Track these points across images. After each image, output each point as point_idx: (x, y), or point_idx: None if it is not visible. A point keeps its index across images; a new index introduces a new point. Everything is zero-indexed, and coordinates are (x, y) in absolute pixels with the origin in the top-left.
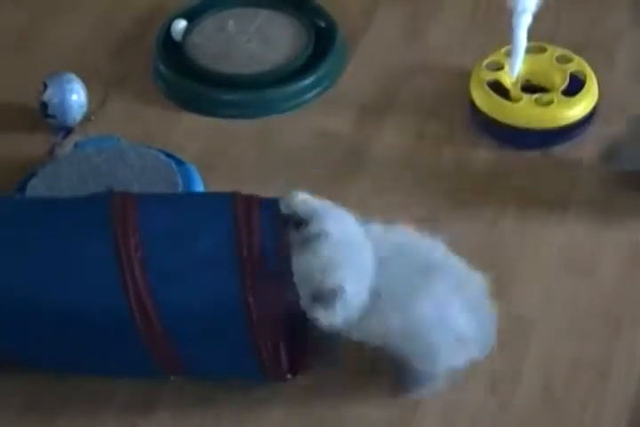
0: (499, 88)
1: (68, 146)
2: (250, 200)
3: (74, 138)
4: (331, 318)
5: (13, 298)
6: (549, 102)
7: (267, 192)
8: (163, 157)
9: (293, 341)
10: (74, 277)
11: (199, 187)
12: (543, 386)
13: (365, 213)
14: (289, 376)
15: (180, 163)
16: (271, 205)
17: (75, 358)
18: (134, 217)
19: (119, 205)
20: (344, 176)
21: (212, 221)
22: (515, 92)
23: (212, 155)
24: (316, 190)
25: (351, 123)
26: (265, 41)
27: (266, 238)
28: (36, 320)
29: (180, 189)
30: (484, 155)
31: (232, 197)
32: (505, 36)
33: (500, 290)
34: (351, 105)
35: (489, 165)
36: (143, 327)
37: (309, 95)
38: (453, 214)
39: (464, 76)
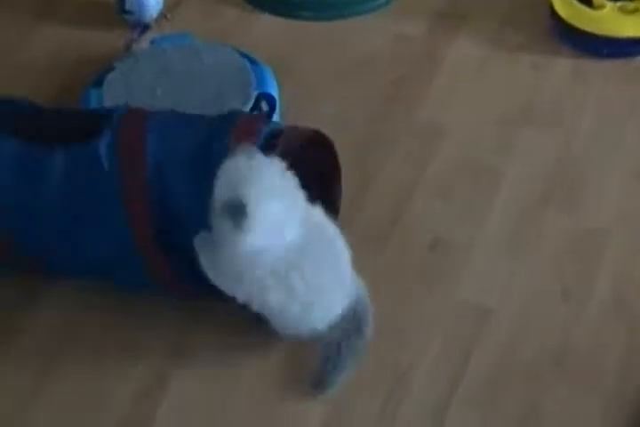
0: None
1: (144, 42)
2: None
3: (150, 35)
4: (237, 234)
5: None
6: (634, 11)
7: (339, 93)
8: (238, 56)
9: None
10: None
11: (273, 87)
12: (616, 299)
13: (440, 117)
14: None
15: (254, 63)
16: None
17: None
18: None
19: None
20: (417, 81)
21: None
22: None
23: (286, 57)
24: (387, 94)
25: (426, 29)
26: None
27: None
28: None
29: (254, 89)
30: (563, 63)
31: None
32: None
33: (572, 203)
34: (426, 11)
35: (567, 74)
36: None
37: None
38: (529, 125)
39: None
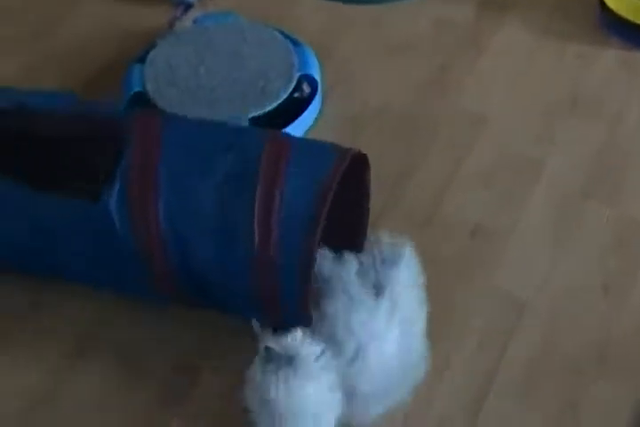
0: None
1: (187, 21)
2: (281, 144)
3: (193, 13)
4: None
5: None
6: None
7: (380, 77)
8: (280, 36)
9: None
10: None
11: (315, 69)
12: None
13: (483, 105)
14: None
15: (297, 44)
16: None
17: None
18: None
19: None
20: (461, 68)
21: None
22: None
23: (329, 39)
24: (430, 80)
25: (472, 15)
26: None
27: (289, 185)
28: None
29: (296, 70)
30: (610, 54)
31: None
32: None
33: (615, 195)
34: None
35: (613, 66)
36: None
37: None
38: (573, 116)
39: None
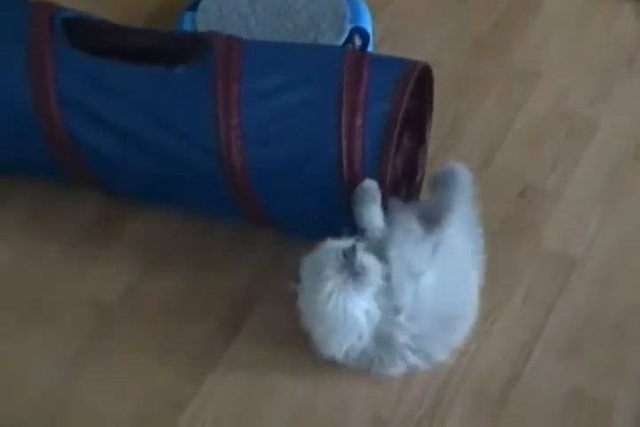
0: None
1: None
2: (361, 59)
3: None
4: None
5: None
6: None
7: (433, 31)
8: None
9: None
10: (171, 119)
11: (367, 22)
12: None
13: (536, 63)
14: None
15: None
16: (381, 67)
17: (160, 189)
18: (238, 65)
19: (224, 51)
20: (515, 25)
21: (317, 75)
22: None
23: None
24: (483, 36)
25: None
26: None
27: (369, 101)
28: (130, 150)
29: (348, 22)
30: None
31: (344, 54)
32: None
33: None
34: None
35: None
36: (231, 182)
37: None
38: (628, 75)
39: None
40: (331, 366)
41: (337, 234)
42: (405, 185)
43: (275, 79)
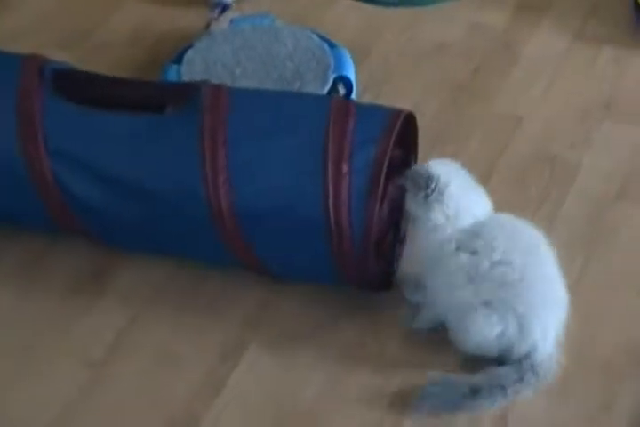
0: None
1: (223, 22)
2: (347, 106)
3: (230, 15)
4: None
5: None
6: None
7: (415, 79)
8: (316, 38)
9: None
10: (158, 159)
11: (350, 71)
12: None
13: (517, 107)
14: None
15: (332, 46)
16: (366, 115)
17: (149, 238)
18: (226, 109)
19: (212, 96)
20: (495, 71)
21: (304, 121)
22: None
23: (364, 41)
24: (464, 82)
25: (507, 18)
26: None
27: (355, 147)
28: (119, 199)
29: (332, 72)
30: None
31: (330, 102)
32: None
33: None
34: (509, 0)
35: None
36: (219, 225)
37: None
38: (608, 119)
39: None
40: None
41: (327, 279)
42: (392, 233)
43: (262, 124)
